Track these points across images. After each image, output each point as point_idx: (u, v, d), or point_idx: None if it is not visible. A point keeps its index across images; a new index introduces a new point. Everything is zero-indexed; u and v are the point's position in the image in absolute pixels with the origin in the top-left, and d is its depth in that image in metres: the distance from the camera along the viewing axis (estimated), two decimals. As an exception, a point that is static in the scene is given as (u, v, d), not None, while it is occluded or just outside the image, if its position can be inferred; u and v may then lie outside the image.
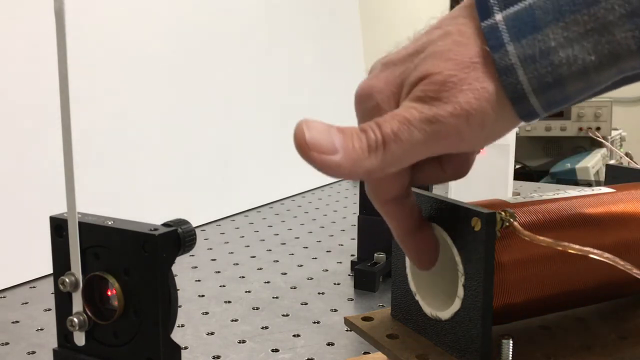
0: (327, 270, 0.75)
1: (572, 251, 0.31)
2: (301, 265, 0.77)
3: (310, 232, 0.93)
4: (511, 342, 0.35)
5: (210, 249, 0.84)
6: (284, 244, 0.87)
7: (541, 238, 0.32)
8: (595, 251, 0.31)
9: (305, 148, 0.27)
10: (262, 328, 0.58)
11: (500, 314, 0.36)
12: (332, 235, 0.91)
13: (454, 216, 0.35)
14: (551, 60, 0.27)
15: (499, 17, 0.28)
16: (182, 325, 0.58)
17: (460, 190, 0.81)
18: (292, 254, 0.82)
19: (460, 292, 0.35)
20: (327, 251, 0.83)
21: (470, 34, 0.29)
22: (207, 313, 0.62)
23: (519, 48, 0.27)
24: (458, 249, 0.35)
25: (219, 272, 0.75)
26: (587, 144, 1.44)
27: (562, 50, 0.27)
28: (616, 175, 0.50)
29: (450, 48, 0.29)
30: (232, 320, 0.60)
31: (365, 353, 0.52)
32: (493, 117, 0.28)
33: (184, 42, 0.99)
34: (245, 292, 0.68)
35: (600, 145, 1.39)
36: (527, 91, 0.28)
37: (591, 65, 0.27)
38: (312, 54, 1.34)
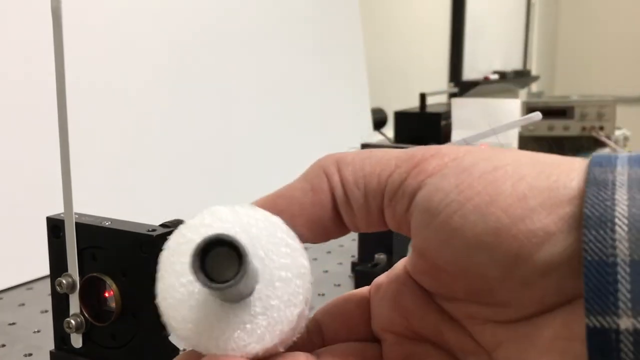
0: (327, 271, 0.75)
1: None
2: (302, 266, 0.77)
3: (311, 233, 0.92)
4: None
5: (210, 249, 0.84)
6: (285, 244, 0.86)
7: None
8: None
9: None
10: (262, 329, 0.58)
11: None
12: (332, 236, 0.90)
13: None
14: None
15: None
16: (181, 327, 0.58)
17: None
18: (293, 255, 0.81)
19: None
20: (328, 252, 0.83)
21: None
22: (206, 314, 0.61)
23: None
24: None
25: (218, 272, 0.74)
26: (591, 143, 1.44)
27: None
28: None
29: None
30: (232, 322, 0.60)
31: None
32: None
33: (184, 41, 0.99)
34: (245, 293, 0.68)
35: (603, 145, 1.38)
36: None
37: None
38: (312, 53, 1.33)
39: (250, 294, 0.19)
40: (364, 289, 0.26)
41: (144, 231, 0.37)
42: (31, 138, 0.74)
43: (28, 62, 0.74)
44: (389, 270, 0.25)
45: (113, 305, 0.38)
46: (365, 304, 0.25)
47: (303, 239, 0.22)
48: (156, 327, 0.37)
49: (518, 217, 0.18)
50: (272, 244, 0.20)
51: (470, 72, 2.58)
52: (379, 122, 1.59)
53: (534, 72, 3.32)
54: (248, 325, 0.19)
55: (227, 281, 0.17)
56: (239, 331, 0.19)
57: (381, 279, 0.25)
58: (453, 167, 0.20)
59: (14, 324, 0.59)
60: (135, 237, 0.37)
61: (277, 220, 0.21)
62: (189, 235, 0.20)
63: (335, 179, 0.22)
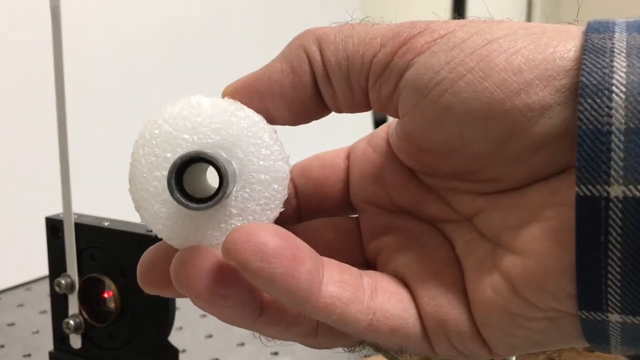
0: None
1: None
2: (301, 267, 0.76)
3: (311, 233, 0.92)
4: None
5: (210, 249, 0.84)
6: (284, 244, 0.86)
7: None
8: None
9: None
10: (262, 330, 0.58)
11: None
12: (332, 236, 0.90)
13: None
14: None
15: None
16: (180, 328, 0.57)
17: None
18: (293, 255, 0.81)
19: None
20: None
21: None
22: (205, 315, 0.61)
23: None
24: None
25: (218, 273, 0.74)
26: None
27: None
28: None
29: None
30: (232, 323, 0.59)
31: (365, 357, 0.51)
32: None
33: (184, 41, 0.99)
34: (245, 293, 0.67)
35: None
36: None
37: None
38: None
39: (227, 195, 0.19)
40: (339, 154, 0.25)
41: (143, 231, 0.37)
42: (30, 138, 0.74)
43: (27, 62, 0.74)
44: (369, 137, 0.24)
45: (112, 305, 0.38)
46: (341, 173, 0.24)
47: (284, 121, 0.21)
48: (156, 327, 0.37)
49: (513, 91, 0.17)
50: (252, 145, 0.19)
51: (470, 73, 2.58)
52: (379, 122, 1.59)
53: (534, 73, 3.32)
54: (222, 225, 0.19)
55: (205, 201, 0.17)
56: (211, 230, 0.19)
57: (360, 147, 0.24)
58: (443, 43, 0.18)
59: (12, 324, 0.59)
60: (134, 237, 0.37)
61: (259, 120, 0.20)
62: (165, 127, 0.19)
63: (317, 59, 0.20)
